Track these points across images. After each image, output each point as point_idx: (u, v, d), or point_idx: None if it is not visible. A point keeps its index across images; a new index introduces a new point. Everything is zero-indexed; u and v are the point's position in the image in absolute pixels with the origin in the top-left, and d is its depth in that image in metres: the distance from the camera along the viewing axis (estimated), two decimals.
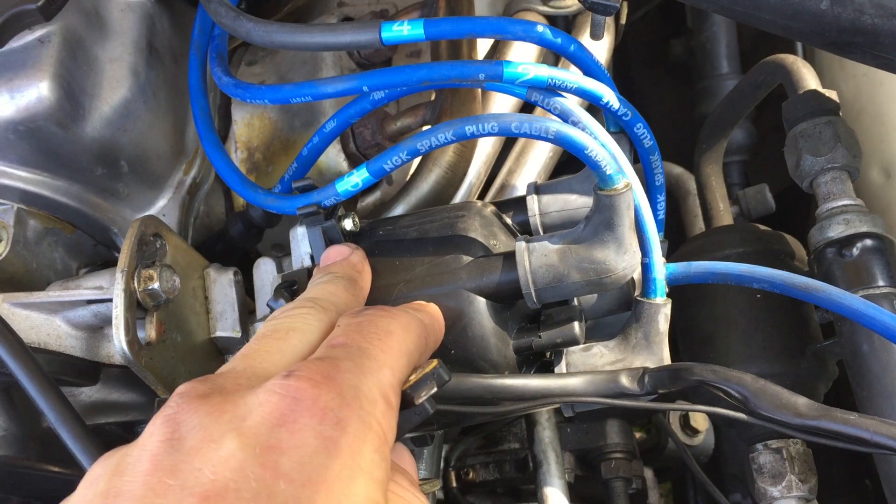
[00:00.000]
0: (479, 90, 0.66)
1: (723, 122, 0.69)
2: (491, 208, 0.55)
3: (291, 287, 0.55)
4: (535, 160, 0.69)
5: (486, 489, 0.74)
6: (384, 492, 0.33)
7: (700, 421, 0.79)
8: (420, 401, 0.40)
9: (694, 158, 0.71)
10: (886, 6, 0.45)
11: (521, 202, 0.55)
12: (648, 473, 0.81)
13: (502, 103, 0.69)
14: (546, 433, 0.65)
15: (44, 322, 0.51)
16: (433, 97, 0.66)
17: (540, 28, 0.49)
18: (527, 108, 0.73)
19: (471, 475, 0.71)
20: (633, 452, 0.71)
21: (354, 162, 0.66)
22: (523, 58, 0.72)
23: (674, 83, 1.27)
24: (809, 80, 0.60)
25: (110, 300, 0.50)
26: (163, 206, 0.62)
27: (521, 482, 0.72)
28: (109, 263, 0.61)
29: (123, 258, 0.48)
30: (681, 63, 1.19)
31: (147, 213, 0.54)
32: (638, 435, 0.84)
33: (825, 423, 0.42)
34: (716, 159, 0.70)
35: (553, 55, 0.74)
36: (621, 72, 1.20)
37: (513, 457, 0.71)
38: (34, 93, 0.52)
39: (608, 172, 0.46)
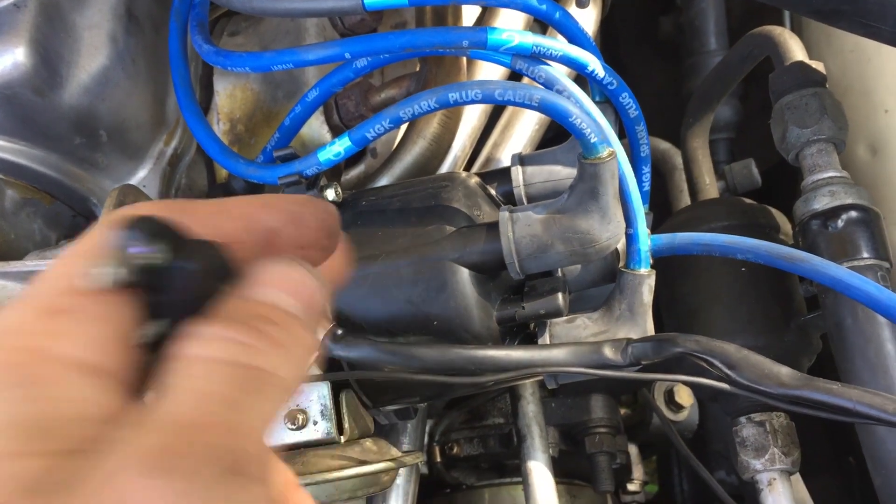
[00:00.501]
0: (464, 60, 0.65)
1: (709, 96, 0.68)
2: (475, 179, 0.54)
3: None
4: (520, 133, 0.69)
5: (471, 464, 0.73)
6: None
7: (684, 396, 0.79)
8: None
9: (681, 132, 0.70)
10: None
11: (505, 173, 0.55)
12: (633, 449, 0.81)
13: (488, 73, 0.68)
14: (530, 407, 0.65)
15: (20, 291, 0.50)
16: (417, 68, 0.65)
17: None
18: (513, 78, 0.73)
19: (455, 450, 0.71)
20: (618, 427, 0.71)
21: (338, 133, 0.65)
22: (509, 26, 0.71)
23: (662, 61, 1.27)
24: (797, 51, 0.59)
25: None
26: (143, 176, 0.61)
27: (505, 457, 0.72)
28: None
29: (103, 221, 0.48)
30: (669, 40, 1.18)
31: (126, 183, 0.54)
32: (623, 411, 0.84)
33: (808, 393, 0.42)
34: (702, 133, 0.70)
35: (540, 26, 0.73)
36: (610, 49, 1.19)
37: (497, 431, 0.71)
38: (10, 59, 0.51)
39: (592, 140, 0.45)
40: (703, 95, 0.69)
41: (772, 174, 0.90)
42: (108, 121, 0.57)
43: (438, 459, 0.72)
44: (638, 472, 0.80)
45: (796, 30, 0.88)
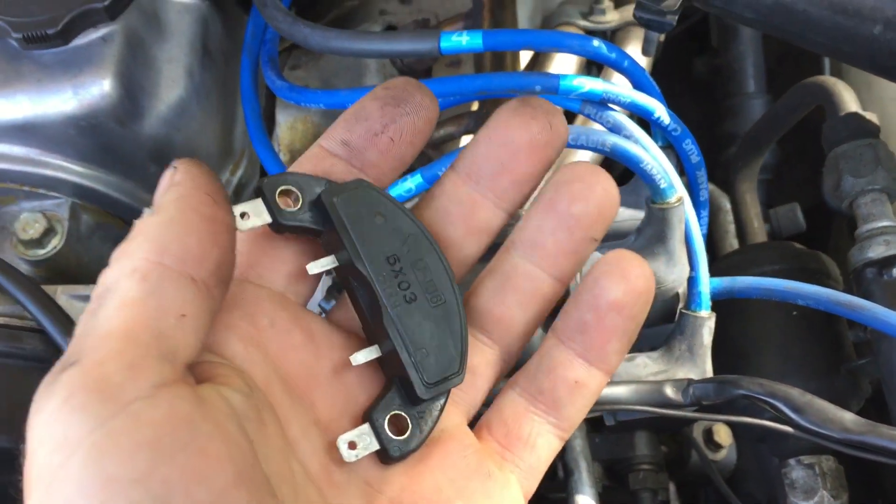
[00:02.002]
0: None
1: (759, 142, 0.70)
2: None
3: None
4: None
5: None
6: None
7: (724, 436, 0.79)
8: None
9: (729, 176, 0.72)
10: None
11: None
12: (672, 487, 0.82)
13: None
14: (577, 442, 0.66)
15: None
16: (474, 107, 0.67)
17: (596, 43, 0.50)
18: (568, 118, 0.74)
19: None
20: (661, 464, 0.72)
21: None
22: (564, 70, 0.73)
23: (696, 100, 1.28)
24: (850, 102, 0.61)
25: None
26: None
27: (549, 490, 0.72)
28: None
29: None
30: (703, 80, 1.20)
31: None
32: (663, 448, 0.84)
33: (872, 439, 0.43)
34: (750, 178, 0.71)
35: (596, 68, 0.75)
36: None
37: None
38: (97, 89, 0.53)
39: (662, 186, 0.47)
40: (752, 141, 0.71)
41: (808, 216, 0.92)
42: (181, 150, 0.59)
43: None
44: None
45: (835, 76, 0.90)
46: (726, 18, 0.51)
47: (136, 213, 0.60)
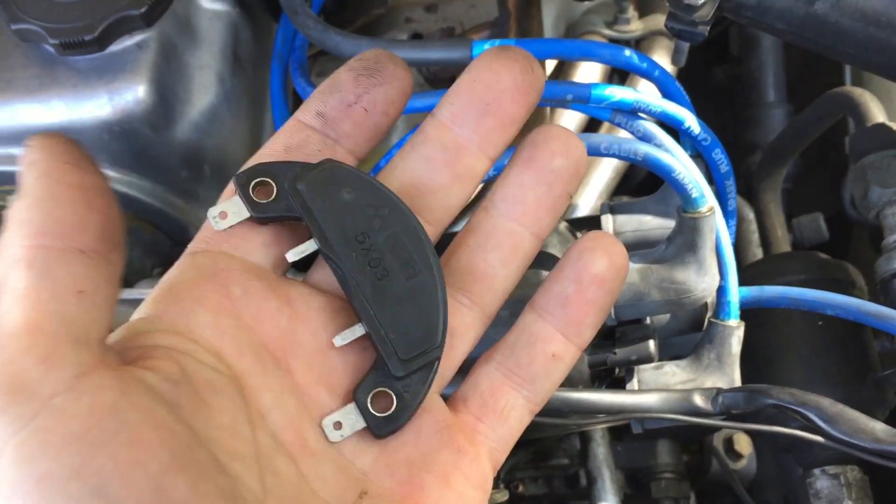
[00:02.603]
0: (548, 108, 0.67)
1: (783, 152, 0.70)
2: (565, 225, 0.56)
3: None
4: (597, 180, 0.71)
5: (535, 503, 0.74)
6: None
7: (744, 445, 0.79)
8: None
9: (753, 186, 0.72)
10: None
11: (594, 221, 0.57)
12: (692, 497, 0.82)
13: (567, 120, 0.71)
14: (601, 450, 0.66)
15: (128, 317, 0.53)
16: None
17: (627, 52, 0.51)
18: (590, 128, 0.75)
19: (520, 489, 0.72)
20: (682, 473, 0.72)
21: None
22: (588, 78, 0.74)
23: (715, 109, 1.28)
24: (877, 113, 0.61)
25: None
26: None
27: (569, 497, 0.73)
28: None
29: None
30: (723, 89, 1.20)
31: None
32: (684, 457, 0.84)
33: None
34: (774, 188, 0.72)
35: (619, 77, 0.75)
36: None
37: (562, 472, 0.72)
38: (132, 95, 0.54)
39: (693, 196, 0.47)
40: (776, 151, 0.71)
41: (828, 225, 0.92)
42: (212, 156, 0.60)
43: (504, 498, 0.73)
44: None
45: (856, 85, 0.90)
46: (757, 29, 0.51)
47: (166, 217, 0.62)
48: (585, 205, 0.70)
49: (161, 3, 0.53)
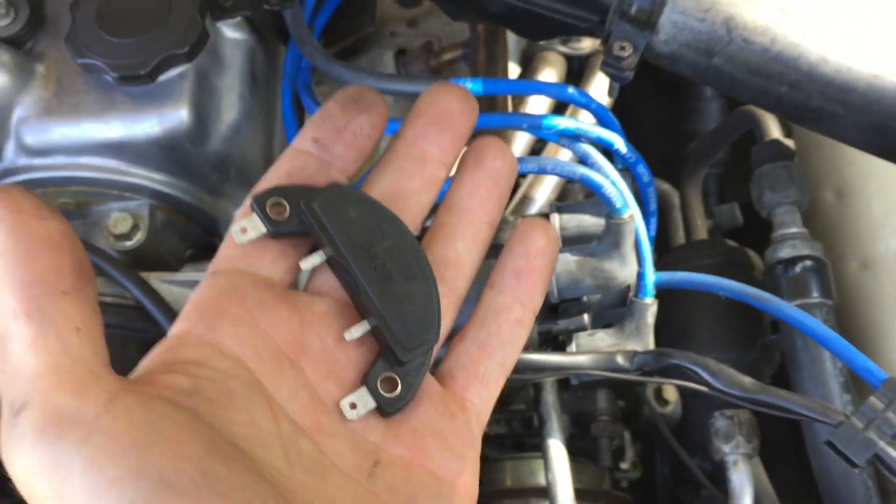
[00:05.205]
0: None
1: (703, 157, 0.85)
2: (517, 219, 0.71)
3: None
4: (550, 179, 0.85)
5: (496, 442, 0.90)
6: None
7: (671, 393, 0.96)
8: None
9: (680, 182, 0.87)
10: (827, 95, 0.61)
11: (545, 218, 0.71)
12: (626, 435, 0.98)
13: (521, 140, 0.85)
14: (550, 397, 0.81)
15: (179, 294, 0.66)
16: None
17: (570, 90, 0.64)
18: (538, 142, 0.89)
19: (486, 429, 0.88)
20: (617, 416, 0.88)
21: None
22: (540, 106, 0.88)
23: (662, 98, 1.42)
24: (773, 129, 0.76)
25: None
26: None
27: (525, 436, 0.89)
28: (210, 249, 0.76)
29: None
30: (671, 83, 1.34)
31: None
32: (620, 403, 1.01)
33: (763, 397, 0.58)
34: (696, 185, 0.87)
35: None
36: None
37: (520, 416, 0.88)
38: (176, 118, 0.66)
39: (618, 206, 0.61)
40: (697, 156, 0.86)
41: (750, 209, 1.07)
42: (236, 161, 0.73)
43: None
44: (629, 453, 0.97)
45: None
46: (674, 72, 0.65)
47: (199, 211, 0.75)
48: (541, 198, 0.84)
49: (199, 43, 0.65)
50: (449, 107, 0.45)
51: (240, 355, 0.38)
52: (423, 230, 0.47)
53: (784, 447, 1.07)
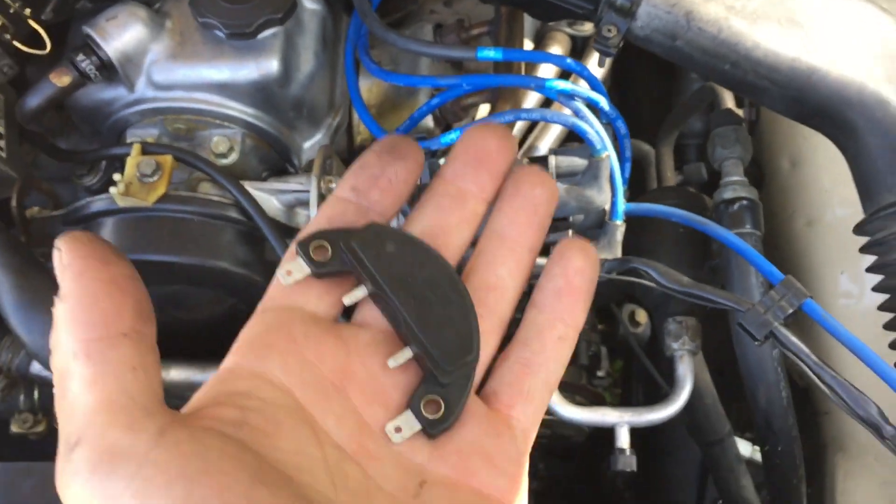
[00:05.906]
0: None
1: (676, 122, 1.06)
2: (527, 161, 0.92)
3: None
4: (553, 130, 1.06)
5: None
6: None
7: (642, 316, 1.17)
8: None
9: (655, 142, 1.08)
10: (758, 72, 0.81)
11: (545, 160, 0.92)
12: (603, 350, 1.20)
13: (532, 98, 1.05)
14: None
15: (265, 199, 0.88)
16: None
17: (569, 60, 0.85)
18: (546, 103, 1.10)
19: None
20: (594, 326, 1.09)
21: (438, 123, 1.02)
22: (548, 73, 1.08)
23: (659, 75, 1.61)
24: (728, 101, 0.97)
25: (307, 191, 0.87)
26: (319, 138, 0.98)
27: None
28: (282, 171, 0.97)
29: (316, 168, 0.85)
30: (665, 64, 1.54)
31: (322, 143, 0.91)
32: (599, 326, 1.22)
33: (696, 290, 0.77)
34: (669, 144, 1.07)
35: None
36: (621, 61, 1.54)
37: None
38: (270, 66, 0.86)
39: (598, 147, 0.83)
40: (671, 122, 1.07)
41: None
42: (308, 103, 0.93)
43: None
44: (605, 364, 1.18)
45: None
46: (649, 51, 0.83)
47: (277, 140, 0.96)
48: (544, 147, 1.05)
49: (290, 10, 0.86)
50: (486, 145, 0.46)
51: (287, 385, 0.38)
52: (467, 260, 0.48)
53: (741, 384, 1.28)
